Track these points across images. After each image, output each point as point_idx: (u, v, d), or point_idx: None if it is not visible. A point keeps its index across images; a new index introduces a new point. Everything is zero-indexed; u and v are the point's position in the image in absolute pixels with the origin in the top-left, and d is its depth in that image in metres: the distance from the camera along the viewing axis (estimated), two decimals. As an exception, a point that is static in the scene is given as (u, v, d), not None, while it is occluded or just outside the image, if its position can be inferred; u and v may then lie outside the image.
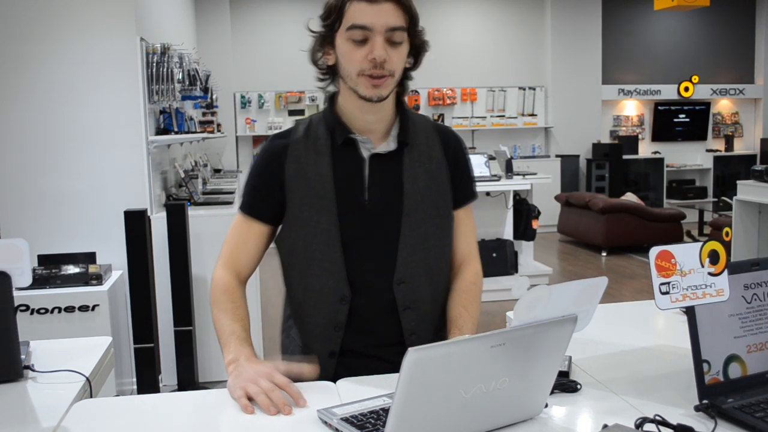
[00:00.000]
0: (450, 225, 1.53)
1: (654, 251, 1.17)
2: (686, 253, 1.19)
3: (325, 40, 1.42)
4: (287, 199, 1.46)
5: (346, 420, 1.13)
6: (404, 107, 1.52)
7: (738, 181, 6.14)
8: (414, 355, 0.91)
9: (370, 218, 1.45)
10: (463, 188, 1.56)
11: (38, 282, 3.29)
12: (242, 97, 8.88)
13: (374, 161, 1.46)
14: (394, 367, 1.35)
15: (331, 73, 1.47)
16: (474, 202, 1.59)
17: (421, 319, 1.49)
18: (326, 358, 1.47)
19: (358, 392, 1.27)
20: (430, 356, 0.94)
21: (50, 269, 3.36)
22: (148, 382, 3.45)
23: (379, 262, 1.46)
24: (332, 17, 1.38)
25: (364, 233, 1.45)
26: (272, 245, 1.57)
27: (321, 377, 1.38)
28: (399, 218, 1.45)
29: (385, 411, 1.15)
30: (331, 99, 1.51)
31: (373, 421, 1.12)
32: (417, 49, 1.46)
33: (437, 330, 1.53)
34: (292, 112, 8.96)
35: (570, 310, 1.05)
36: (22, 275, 1.39)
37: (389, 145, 1.47)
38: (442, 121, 9.45)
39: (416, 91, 9.37)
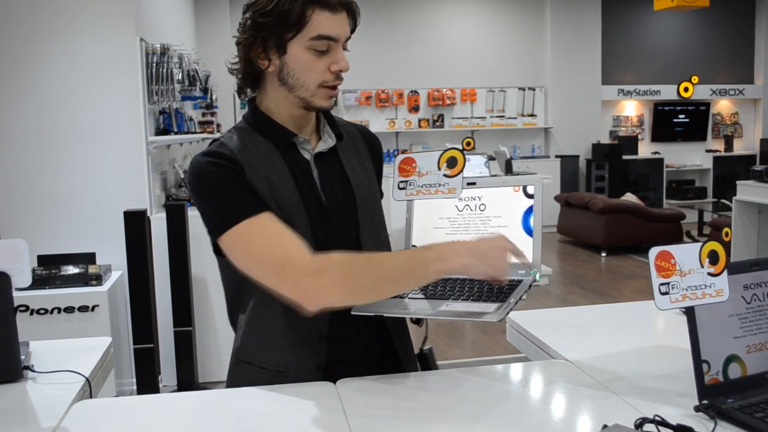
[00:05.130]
0: (383, 215, 1.52)
1: (653, 251, 1.17)
2: (686, 254, 1.19)
3: (267, 45, 1.30)
4: None
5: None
6: None
7: (737, 182, 6.14)
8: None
9: (331, 217, 1.39)
10: (379, 186, 1.56)
11: (38, 282, 3.29)
12: (242, 97, 8.87)
13: (316, 160, 1.41)
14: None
15: (257, 78, 1.37)
16: None
17: None
18: (312, 372, 1.35)
19: (360, 393, 1.28)
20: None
21: (50, 270, 3.36)
22: (147, 383, 3.45)
23: None
24: (290, 24, 1.27)
25: (328, 234, 1.39)
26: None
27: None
28: (355, 212, 1.42)
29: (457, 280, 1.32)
30: (254, 106, 1.41)
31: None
32: None
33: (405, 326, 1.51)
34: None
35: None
36: (21, 275, 1.39)
37: (327, 142, 1.43)
38: (442, 122, 9.46)
39: (416, 92, 9.37)
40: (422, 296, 1.30)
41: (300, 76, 1.32)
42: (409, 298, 1.31)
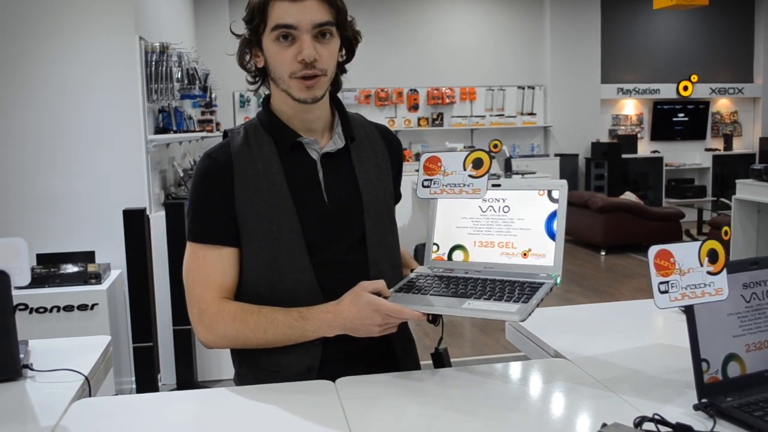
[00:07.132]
0: (395, 218, 1.53)
1: (653, 250, 1.17)
2: (685, 252, 1.19)
3: (251, 43, 1.37)
4: (241, 216, 1.36)
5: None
6: (340, 103, 1.48)
7: (737, 180, 6.13)
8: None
9: (333, 220, 1.39)
10: (397, 188, 1.56)
11: (37, 281, 3.29)
12: (241, 96, 8.87)
13: (324, 161, 1.41)
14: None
15: (262, 75, 1.42)
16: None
17: None
18: (304, 374, 1.36)
19: (359, 392, 1.28)
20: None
21: (49, 268, 3.36)
22: (147, 382, 3.45)
23: (350, 263, 1.40)
24: (256, 19, 1.33)
25: (330, 236, 1.39)
26: None
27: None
28: (361, 215, 1.41)
29: (462, 278, 1.36)
30: (266, 102, 1.45)
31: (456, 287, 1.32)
32: (349, 42, 1.41)
33: (406, 325, 1.51)
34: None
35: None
36: (20, 274, 1.39)
37: (336, 143, 1.43)
38: (441, 120, 9.45)
39: (415, 90, 9.37)
40: (443, 293, 1.30)
41: (275, 68, 1.35)
42: (431, 294, 1.31)
